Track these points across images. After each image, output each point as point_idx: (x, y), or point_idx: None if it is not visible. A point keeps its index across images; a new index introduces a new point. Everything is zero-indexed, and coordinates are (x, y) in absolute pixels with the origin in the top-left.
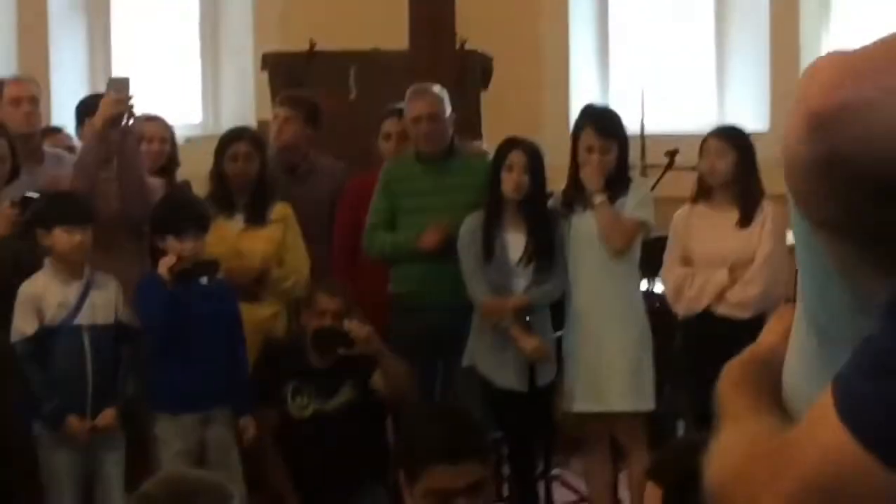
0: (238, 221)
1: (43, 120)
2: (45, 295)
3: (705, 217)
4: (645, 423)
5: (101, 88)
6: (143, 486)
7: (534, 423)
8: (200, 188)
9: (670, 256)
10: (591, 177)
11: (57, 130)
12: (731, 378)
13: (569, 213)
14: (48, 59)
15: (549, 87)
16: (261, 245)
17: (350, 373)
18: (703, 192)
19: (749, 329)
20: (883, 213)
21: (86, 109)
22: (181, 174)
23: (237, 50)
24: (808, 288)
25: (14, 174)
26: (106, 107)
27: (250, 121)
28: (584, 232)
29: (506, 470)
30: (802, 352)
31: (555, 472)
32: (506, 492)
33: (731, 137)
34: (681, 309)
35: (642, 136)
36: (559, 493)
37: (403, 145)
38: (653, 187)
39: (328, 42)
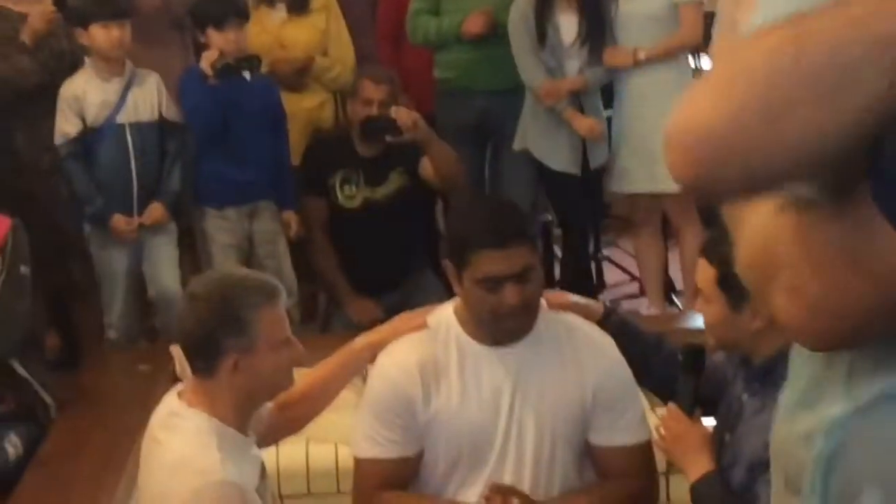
0: (280, 11)
1: None
2: (85, 94)
3: None
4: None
5: None
6: (190, 285)
7: (586, 204)
8: None
9: (719, 32)
10: None
11: None
12: None
13: None
14: None
15: None
16: (304, 34)
17: (398, 160)
18: None
19: None
20: None
21: None
22: None
23: None
24: None
25: None
26: None
27: None
28: (635, 12)
29: (557, 252)
30: None
31: (605, 252)
32: (557, 274)
33: None
34: None
35: None
36: (610, 272)
37: None
38: None
39: None
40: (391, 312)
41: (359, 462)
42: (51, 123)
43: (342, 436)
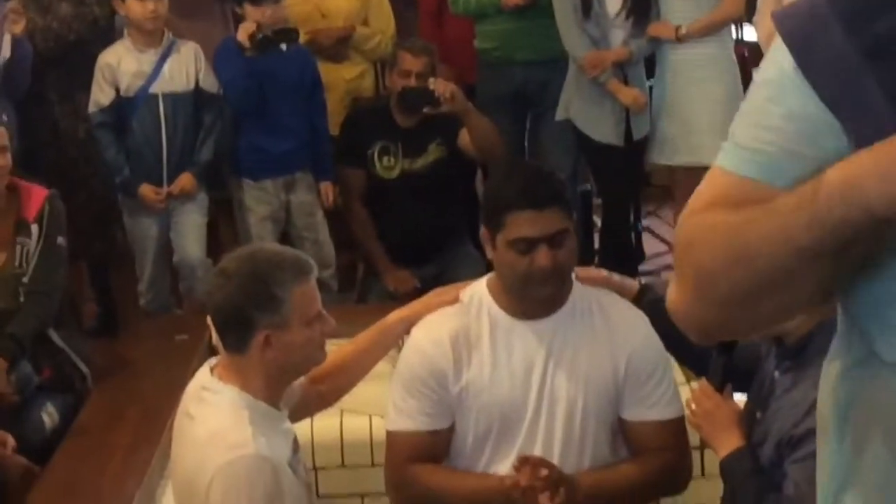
0: None
1: None
2: (120, 64)
3: None
4: None
5: None
6: (221, 261)
7: (628, 175)
8: None
9: (765, 2)
10: None
11: None
12: None
13: None
14: None
15: None
16: (345, 4)
17: (436, 131)
18: None
19: None
20: None
21: None
22: None
23: None
24: None
25: None
26: None
27: None
28: None
29: (597, 222)
30: None
31: (645, 222)
32: (597, 242)
33: None
34: None
35: None
36: (649, 243)
37: None
38: None
39: None
40: (428, 284)
41: (390, 435)
42: (87, 94)
43: (377, 408)
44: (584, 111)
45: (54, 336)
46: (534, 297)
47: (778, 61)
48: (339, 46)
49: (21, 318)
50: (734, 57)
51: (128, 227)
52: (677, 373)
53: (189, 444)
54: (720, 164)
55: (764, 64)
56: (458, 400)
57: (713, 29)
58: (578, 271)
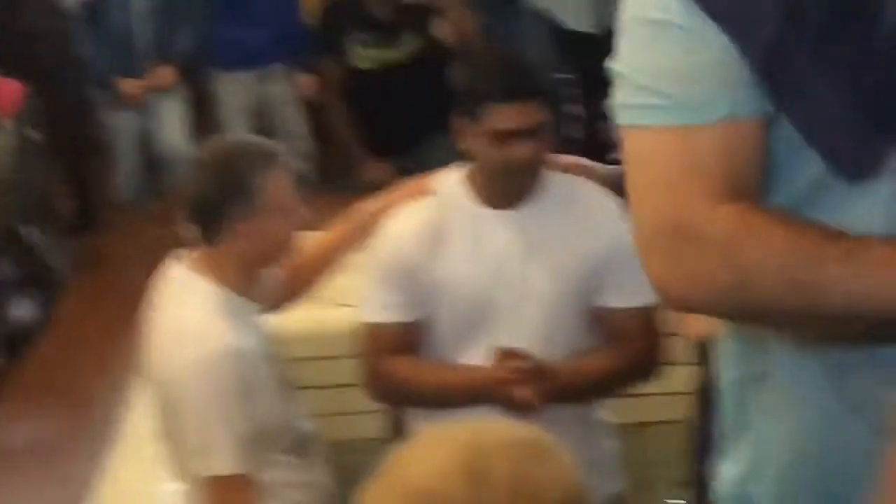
0: None
1: None
2: None
3: None
4: None
5: None
6: (196, 152)
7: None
8: None
9: None
10: None
11: None
12: None
13: None
14: None
15: None
16: None
17: (413, 21)
18: None
19: None
20: None
21: None
22: None
23: None
24: None
25: None
26: None
27: None
28: None
29: (580, 110)
30: None
31: None
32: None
33: None
34: None
35: None
36: None
37: None
38: None
39: None
40: (406, 174)
41: (366, 326)
42: None
43: (353, 298)
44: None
45: (27, 232)
46: (509, 188)
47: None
48: None
49: None
50: None
51: (105, 121)
52: None
53: (162, 338)
54: (667, 122)
55: (640, 2)
56: (433, 291)
57: None
58: (561, 159)
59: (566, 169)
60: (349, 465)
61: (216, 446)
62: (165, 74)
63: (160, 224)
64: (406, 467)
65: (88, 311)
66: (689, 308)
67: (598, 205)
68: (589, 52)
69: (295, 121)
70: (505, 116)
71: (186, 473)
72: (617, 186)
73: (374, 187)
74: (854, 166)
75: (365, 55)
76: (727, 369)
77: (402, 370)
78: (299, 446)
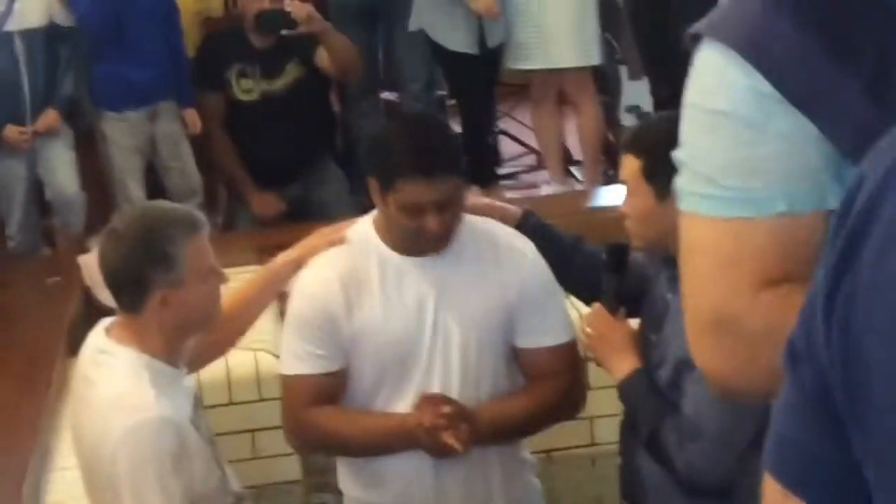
0: None
1: None
2: None
3: None
4: (593, 76)
5: None
6: (112, 221)
7: (485, 82)
8: None
9: None
10: None
11: None
12: None
13: None
14: None
15: None
16: None
17: (293, 51)
18: None
19: None
20: None
21: None
22: None
23: None
24: None
25: None
26: None
27: None
28: None
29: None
30: None
31: (501, 125)
32: None
33: None
34: None
35: None
36: (505, 145)
37: None
38: None
39: None
40: (294, 204)
41: (286, 379)
42: None
43: (260, 343)
44: (437, 21)
45: None
46: (422, 249)
47: (734, 84)
48: None
49: None
50: None
51: None
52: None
53: (91, 410)
54: (723, 213)
55: (703, 91)
56: (352, 340)
57: None
58: (471, 202)
59: (473, 210)
60: None
61: None
62: (51, 118)
63: (56, 273)
64: None
65: None
66: (741, 395)
67: (509, 247)
68: (468, 72)
69: (184, 158)
70: (418, 192)
71: None
72: (527, 225)
73: (264, 221)
74: None
75: (247, 87)
76: None
77: (325, 420)
78: None
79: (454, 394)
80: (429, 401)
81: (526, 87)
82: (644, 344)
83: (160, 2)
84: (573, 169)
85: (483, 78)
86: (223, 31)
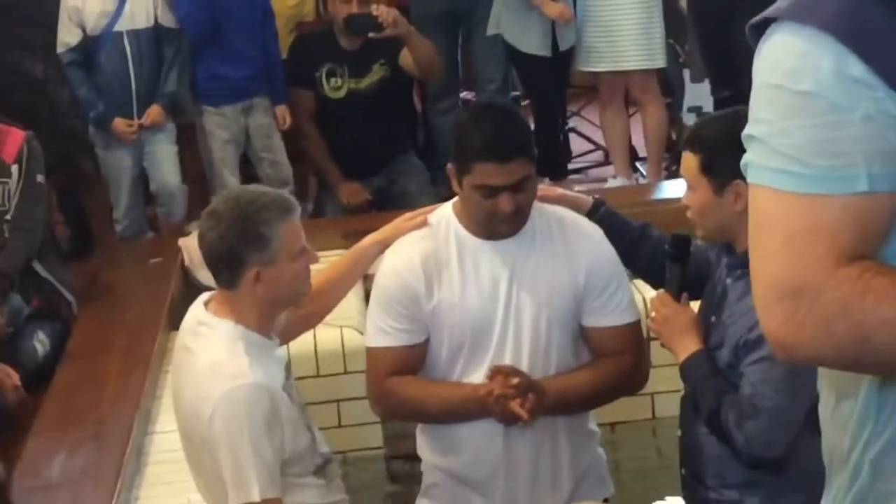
0: None
1: None
2: (85, 5)
3: None
4: (657, 78)
5: None
6: (211, 203)
7: (556, 83)
8: None
9: None
10: None
11: None
12: None
13: None
14: None
15: None
16: None
17: (379, 53)
18: None
19: None
20: None
21: None
22: None
23: None
24: None
25: None
26: None
27: None
28: None
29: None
30: None
31: (571, 123)
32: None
33: None
34: None
35: None
36: (575, 143)
37: None
38: None
39: None
40: (377, 194)
41: (370, 351)
42: (38, 35)
43: (346, 320)
44: (513, 25)
45: (39, 267)
46: (496, 231)
47: (820, 66)
48: None
49: (7, 254)
50: None
51: (102, 159)
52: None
53: (189, 377)
54: (802, 190)
55: (787, 73)
56: (432, 316)
57: None
58: (542, 192)
59: (546, 199)
60: (350, 475)
61: (249, 476)
62: (156, 114)
63: (159, 254)
64: None
65: (102, 343)
66: (805, 362)
67: (578, 232)
68: (540, 74)
69: (276, 150)
70: (492, 174)
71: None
72: (598, 213)
73: (350, 209)
74: None
75: (336, 85)
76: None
77: (405, 389)
78: (321, 469)
79: (524, 367)
80: (499, 372)
81: (595, 88)
82: (704, 326)
83: (255, 7)
84: (638, 165)
85: (555, 79)
86: (314, 34)
